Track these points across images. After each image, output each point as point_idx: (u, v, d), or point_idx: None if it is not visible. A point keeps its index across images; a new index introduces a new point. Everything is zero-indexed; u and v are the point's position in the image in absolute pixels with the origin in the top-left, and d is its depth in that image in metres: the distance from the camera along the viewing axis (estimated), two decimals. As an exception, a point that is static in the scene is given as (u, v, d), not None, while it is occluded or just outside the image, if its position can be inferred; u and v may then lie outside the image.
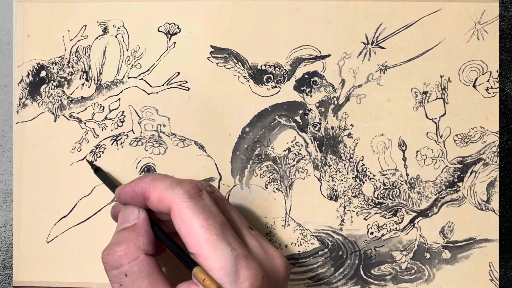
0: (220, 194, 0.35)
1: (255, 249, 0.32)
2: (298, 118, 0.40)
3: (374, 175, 0.40)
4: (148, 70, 0.40)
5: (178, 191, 0.31)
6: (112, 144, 0.40)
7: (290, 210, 0.40)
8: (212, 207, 0.31)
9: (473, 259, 0.39)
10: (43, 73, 0.40)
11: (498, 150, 0.39)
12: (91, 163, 0.40)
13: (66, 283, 0.40)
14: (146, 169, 0.40)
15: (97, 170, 0.39)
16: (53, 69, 0.40)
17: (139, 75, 0.40)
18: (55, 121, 0.40)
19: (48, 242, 0.40)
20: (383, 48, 0.39)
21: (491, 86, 0.39)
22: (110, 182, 0.38)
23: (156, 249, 0.33)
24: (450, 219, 0.39)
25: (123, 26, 0.40)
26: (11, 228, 0.41)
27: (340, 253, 0.40)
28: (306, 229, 0.40)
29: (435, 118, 0.39)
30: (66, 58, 0.40)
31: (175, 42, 0.40)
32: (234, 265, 0.29)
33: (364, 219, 0.40)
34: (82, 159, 0.40)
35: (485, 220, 0.39)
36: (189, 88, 0.40)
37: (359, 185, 0.40)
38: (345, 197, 0.40)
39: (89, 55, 0.40)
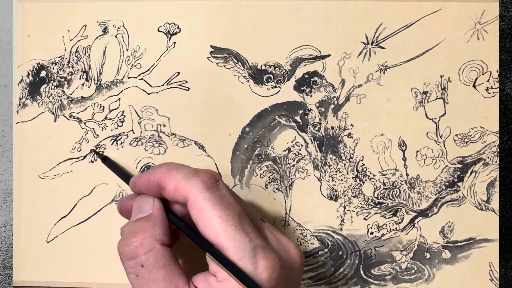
0: (231, 190, 0.34)
1: (270, 240, 0.32)
2: (298, 118, 0.40)
3: (374, 175, 0.40)
4: (148, 70, 0.40)
5: (195, 181, 0.30)
6: (112, 144, 0.40)
7: (290, 210, 0.40)
8: (229, 197, 0.31)
9: (473, 259, 0.39)
10: (43, 73, 0.40)
11: (498, 150, 0.39)
12: (97, 152, 0.39)
13: (66, 283, 0.40)
14: (146, 169, 0.40)
15: (105, 159, 0.39)
16: (53, 69, 0.40)
17: (139, 75, 0.40)
18: (55, 121, 0.40)
19: (48, 242, 0.40)
20: (383, 48, 0.39)
21: (491, 86, 0.39)
22: (121, 171, 0.38)
23: (171, 240, 0.32)
24: (450, 219, 0.39)
25: (123, 26, 0.40)
26: (11, 228, 0.41)
27: (340, 253, 0.40)
28: (306, 229, 0.40)
29: (435, 118, 0.39)
30: (66, 58, 0.40)
31: (175, 42, 0.40)
32: (252, 256, 0.29)
33: (364, 219, 0.40)
34: (84, 157, 0.40)
35: (485, 220, 0.39)
36: (189, 88, 0.40)
37: (359, 185, 0.40)
38: (345, 197, 0.40)
39: (89, 55, 0.40)
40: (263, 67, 0.40)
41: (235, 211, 0.30)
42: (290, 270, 0.32)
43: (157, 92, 0.40)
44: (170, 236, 0.32)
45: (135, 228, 0.32)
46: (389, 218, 0.40)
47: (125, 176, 0.37)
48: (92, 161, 0.40)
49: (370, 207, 0.40)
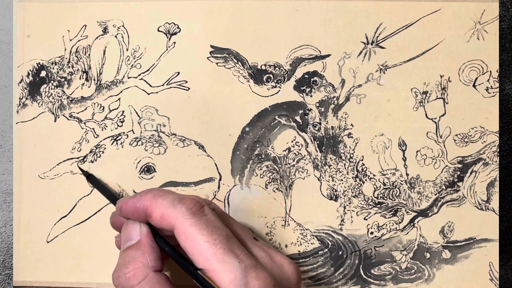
0: (221, 210, 0.34)
1: (262, 259, 0.32)
2: (298, 118, 0.40)
3: (374, 175, 0.40)
4: (148, 70, 0.40)
5: (180, 208, 0.31)
6: (112, 144, 0.40)
7: (290, 210, 0.40)
8: (216, 221, 0.31)
9: (473, 259, 0.39)
10: (43, 73, 0.40)
11: (498, 150, 0.39)
12: (83, 170, 0.39)
13: (66, 283, 0.40)
14: (146, 169, 0.40)
15: (90, 178, 0.39)
16: (53, 69, 0.40)
17: (139, 75, 0.40)
18: (55, 121, 0.40)
19: (48, 242, 0.40)
20: (383, 48, 0.39)
21: (491, 86, 0.39)
22: (105, 190, 0.38)
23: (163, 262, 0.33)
24: (450, 219, 0.39)
25: (123, 26, 0.40)
26: (11, 228, 0.41)
27: (340, 253, 0.40)
28: (306, 229, 0.40)
29: (435, 118, 0.39)
30: (66, 58, 0.40)
31: (175, 42, 0.40)
32: (243, 277, 0.29)
33: (364, 219, 0.40)
34: (82, 159, 0.40)
35: (485, 220, 0.39)
36: (189, 88, 0.40)
37: (359, 185, 0.40)
38: (345, 197, 0.40)
39: (89, 55, 0.40)
40: (263, 67, 0.40)
41: (223, 234, 0.30)
42: (286, 287, 0.32)
43: (157, 92, 0.40)
44: (162, 261, 0.32)
45: (126, 258, 0.32)
46: (389, 218, 0.40)
47: (111, 196, 0.37)
48: (92, 161, 0.40)
49: (370, 207, 0.40)
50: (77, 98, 0.40)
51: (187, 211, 0.31)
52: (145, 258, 0.31)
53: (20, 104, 0.40)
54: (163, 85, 0.40)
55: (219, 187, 0.40)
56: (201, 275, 0.30)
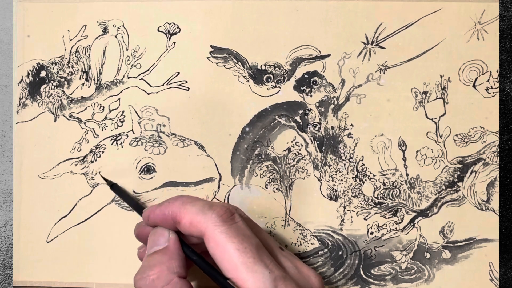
0: (248, 217, 0.34)
1: (290, 270, 0.32)
2: (298, 118, 0.40)
3: (374, 175, 0.40)
4: (148, 70, 0.40)
5: (211, 215, 0.31)
6: (112, 144, 0.40)
7: (290, 210, 0.40)
8: (246, 230, 0.31)
9: (473, 259, 0.39)
10: (43, 73, 0.40)
11: (498, 150, 0.39)
12: (106, 179, 0.39)
13: (66, 283, 0.40)
14: (146, 169, 0.40)
15: (113, 187, 0.39)
16: (53, 69, 0.40)
17: (139, 75, 0.40)
18: (55, 121, 0.40)
19: (48, 242, 0.40)
20: (383, 48, 0.39)
21: (491, 86, 0.39)
22: (130, 199, 0.38)
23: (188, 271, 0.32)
24: (450, 219, 0.39)
25: (123, 26, 0.40)
26: (11, 228, 0.41)
27: (340, 253, 0.40)
28: (306, 229, 0.40)
29: (435, 118, 0.39)
30: (66, 58, 0.40)
31: (175, 42, 0.40)
32: None
33: (364, 219, 0.40)
34: (82, 159, 0.40)
35: (485, 220, 0.39)
36: (189, 88, 0.40)
37: (359, 185, 0.40)
38: (345, 197, 0.40)
39: (89, 55, 0.40)
40: (263, 67, 0.40)
41: (253, 243, 0.30)
42: None
43: (157, 92, 0.40)
44: (186, 268, 0.32)
45: (152, 261, 0.31)
46: (389, 218, 0.40)
47: (136, 206, 0.37)
48: (92, 161, 0.40)
49: (370, 207, 0.40)
50: (77, 98, 0.40)
51: (217, 218, 0.30)
52: (171, 263, 0.31)
53: (20, 104, 0.40)
54: (163, 85, 0.40)
55: (219, 187, 0.40)
56: (230, 285, 0.29)
